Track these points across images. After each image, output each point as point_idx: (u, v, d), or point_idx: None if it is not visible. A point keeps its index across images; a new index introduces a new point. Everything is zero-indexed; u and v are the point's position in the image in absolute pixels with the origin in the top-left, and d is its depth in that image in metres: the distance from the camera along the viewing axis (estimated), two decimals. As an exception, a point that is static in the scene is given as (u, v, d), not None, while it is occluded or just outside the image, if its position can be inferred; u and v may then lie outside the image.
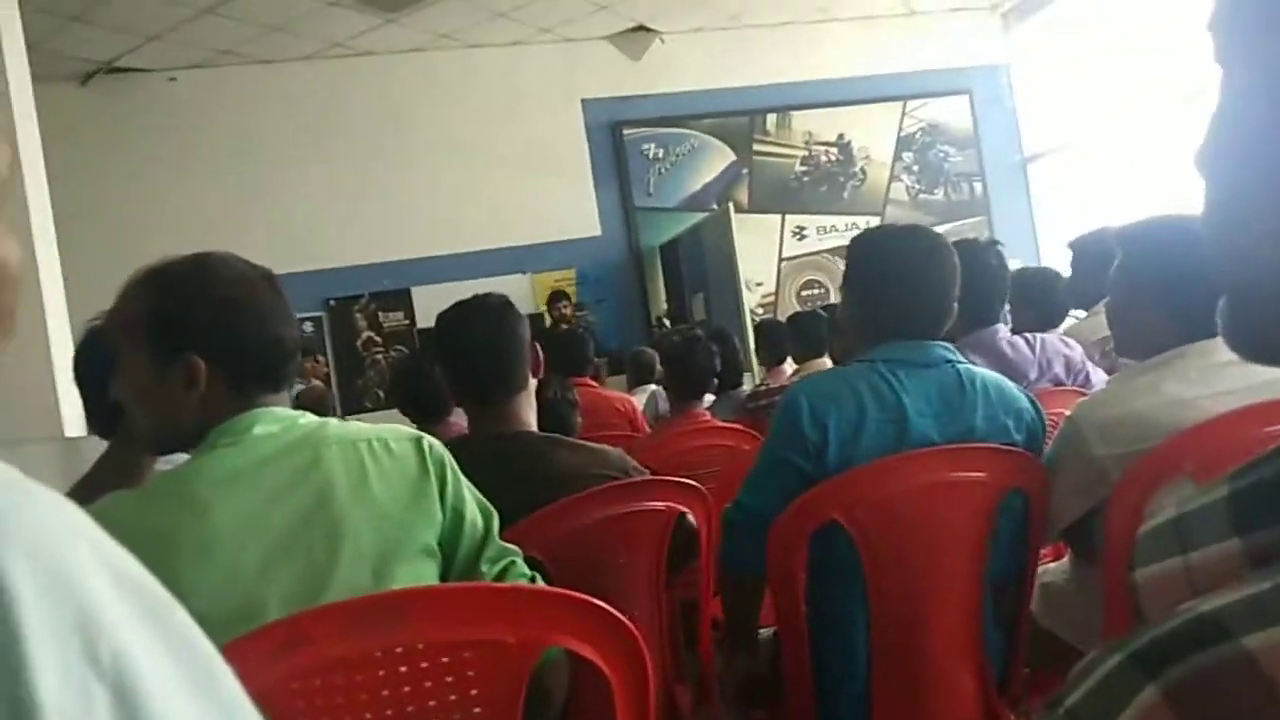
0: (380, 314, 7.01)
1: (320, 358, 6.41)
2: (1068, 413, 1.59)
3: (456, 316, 1.73)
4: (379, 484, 1.17)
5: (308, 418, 1.21)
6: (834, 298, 7.23)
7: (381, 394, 6.86)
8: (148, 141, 6.57)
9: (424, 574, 1.19)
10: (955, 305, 1.65)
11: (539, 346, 1.75)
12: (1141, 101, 6.58)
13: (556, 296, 7.04)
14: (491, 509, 1.30)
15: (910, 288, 1.62)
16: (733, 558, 1.68)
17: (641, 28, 7.34)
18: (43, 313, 2.80)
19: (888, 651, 1.55)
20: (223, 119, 6.73)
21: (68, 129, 5.45)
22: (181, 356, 1.16)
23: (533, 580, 1.30)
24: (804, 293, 7.82)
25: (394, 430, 1.25)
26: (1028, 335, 2.32)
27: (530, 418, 1.72)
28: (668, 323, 7.29)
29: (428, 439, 1.26)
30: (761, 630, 1.86)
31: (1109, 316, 1.65)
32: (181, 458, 1.20)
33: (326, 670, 0.94)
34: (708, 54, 7.56)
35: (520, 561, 1.30)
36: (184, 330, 1.16)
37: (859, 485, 1.52)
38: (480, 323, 1.69)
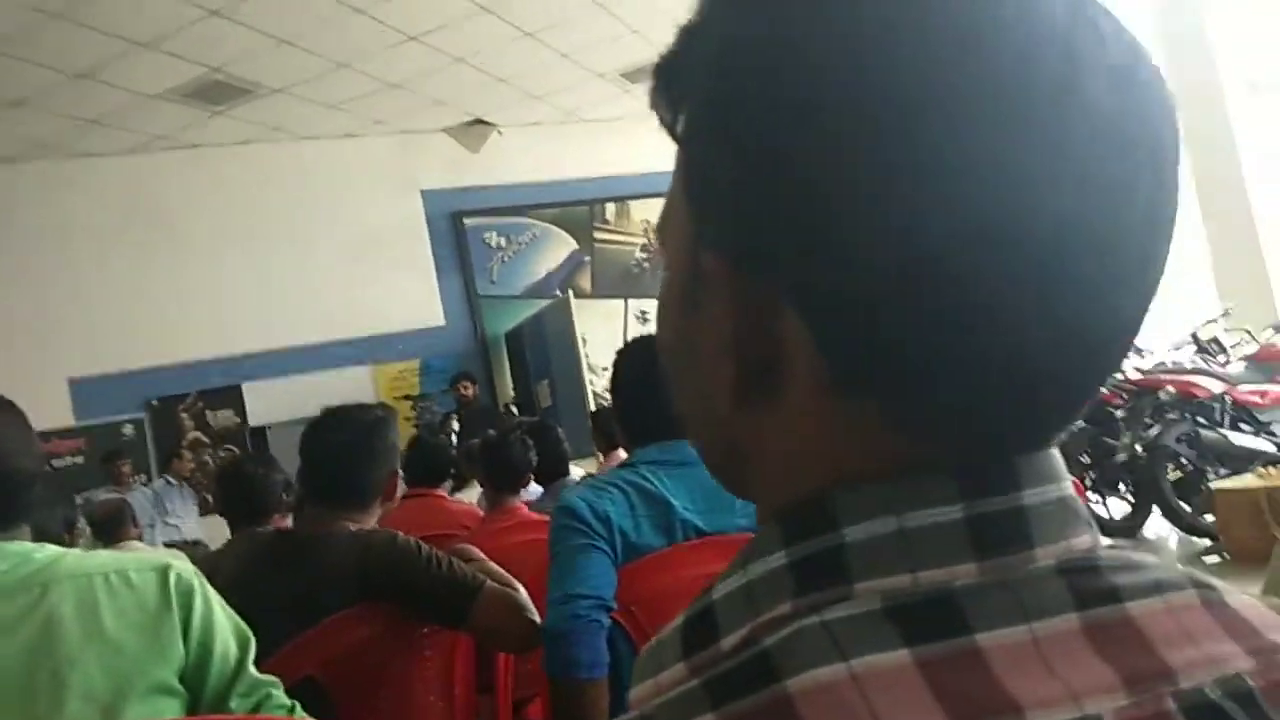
0: (209, 412, 6.71)
1: (124, 464, 6.02)
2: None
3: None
4: (113, 619, 1.13)
5: (45, 550, 1.16)
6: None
7: (209, 497, 6.54)
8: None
9: (160, 712, 1.14)
10: None
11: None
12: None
13: (458, 378, 6.86)
14: (250, 637, 1.26)
15: (648, 392, 1.69)
16: (575, 661, 1.46)
17: (479, 121, 7.49)
18: None
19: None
20: (36, 213, 6.41)
21: None
22: None
23: (291, 711, 1.26)
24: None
25: (138, 560, 1.21)
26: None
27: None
28: (515, 410, 7.28)
29: (177, 568, 1.21)
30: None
31: None
32: None
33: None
34: (546, 147, 7.77)
35: (278, 693, 1.26)
36: None
37: (631, 581, 1.56)
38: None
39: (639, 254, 8.18)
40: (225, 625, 1.23)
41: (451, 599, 1.62)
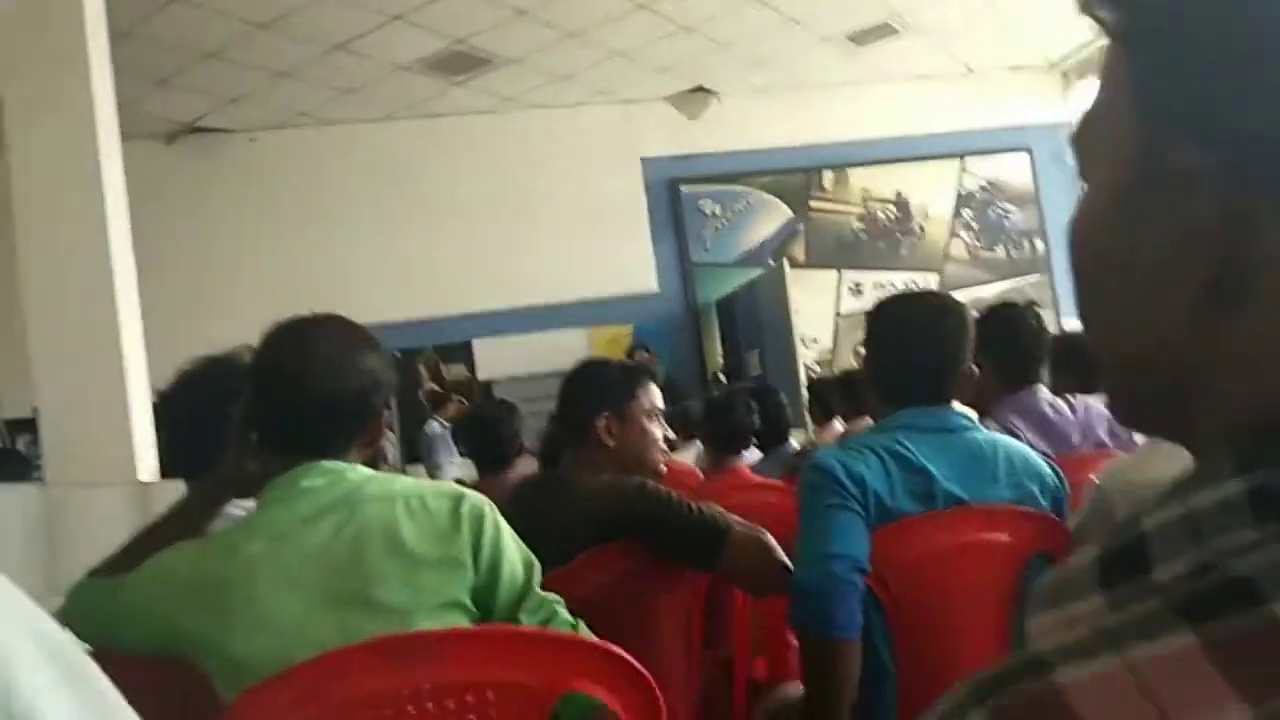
0: (442, 366, 7.20)
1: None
2: (1093, 477, 1.58)
3: None
4: (411, 539, 1.23)
5: (357, 471, 1.28)
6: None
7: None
8: (228, 198, 6.92)
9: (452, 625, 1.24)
10: (969, 367, 1.65)
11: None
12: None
13: (634, 349, 7.17)
14: (534, 562, 1.34)
15: (916, 351, 1.63)
16: (832, 620, 1.46)
17: (700, 89, 7.52)
18: (121, 362, 2.96)
19: None
20: (298, 177, 7.05)
21: (153, 185, 5.77)
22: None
23: (575, 627, 1.33)
24: (861, 349, 7.79)
25: (435, 487, 1.32)
26: (1069, 397, 2.31)
27: None
28: (724, 378, 7.33)
29: (471, 496, 1.31)
30: (788, 688, 1.87)
31: None
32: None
33: (355, 707, 1.00)
34: (765, 113, 7.69)
35: (562, 611, 1.33)
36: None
37: (885, 546, 1.53)
38: None
39: (856, 224, 7.97)
40: (513, 549, 1.31)
41: (704, 539, 1.65)
